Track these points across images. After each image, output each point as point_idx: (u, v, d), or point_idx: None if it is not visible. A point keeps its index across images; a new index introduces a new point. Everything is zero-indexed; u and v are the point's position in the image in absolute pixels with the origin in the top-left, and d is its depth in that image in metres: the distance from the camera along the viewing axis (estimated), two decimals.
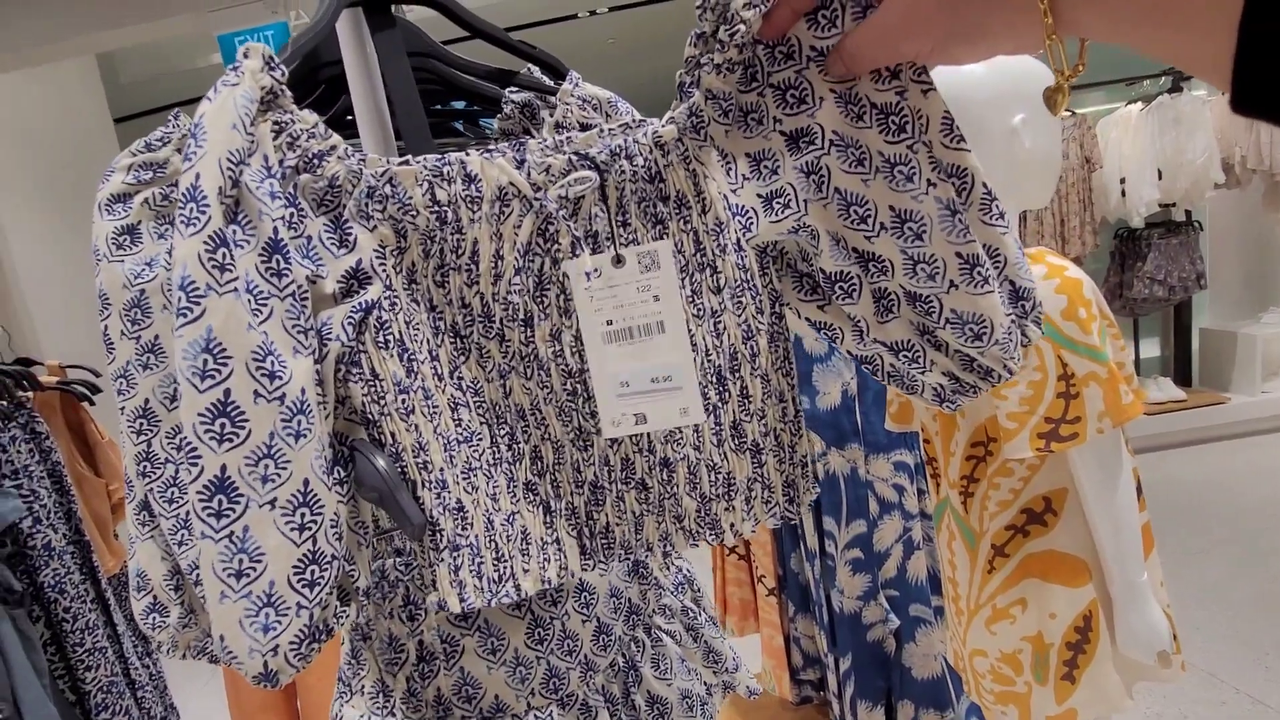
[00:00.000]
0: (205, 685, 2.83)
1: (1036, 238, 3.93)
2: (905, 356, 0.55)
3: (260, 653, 0.46)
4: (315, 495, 0.47)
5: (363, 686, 0.69)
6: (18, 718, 1.44)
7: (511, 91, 0.65)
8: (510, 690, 0.67)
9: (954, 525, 1.12)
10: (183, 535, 0.56)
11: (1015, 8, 0.42)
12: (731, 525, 0.60)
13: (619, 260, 0.54)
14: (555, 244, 0.54)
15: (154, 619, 0.59)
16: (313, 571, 0.47)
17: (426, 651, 0.66)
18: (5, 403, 1.54)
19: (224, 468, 0.45)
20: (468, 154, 0.53)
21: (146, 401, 0.55)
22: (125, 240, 0.55)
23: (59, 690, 1.60)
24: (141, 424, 0.55)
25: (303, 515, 0.47)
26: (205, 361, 0.45)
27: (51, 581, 1.55)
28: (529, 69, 0.66)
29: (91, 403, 1.79)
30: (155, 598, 0.58)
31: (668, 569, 0.80)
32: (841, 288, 0.54)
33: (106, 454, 1.84)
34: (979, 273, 0.51)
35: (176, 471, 0.56)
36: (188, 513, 0.56)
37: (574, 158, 0.53)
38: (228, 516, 0.46)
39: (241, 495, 0.46)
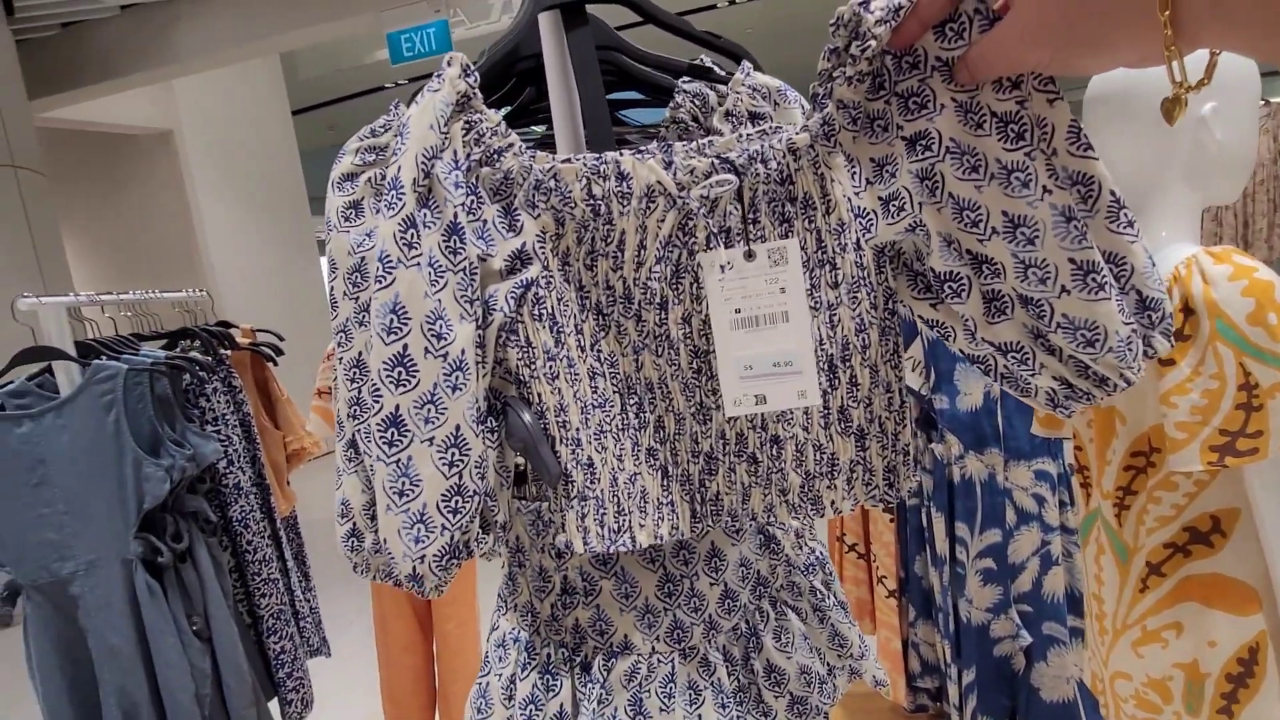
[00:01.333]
0: (351, 624, 3.12)
1: (1214, 239, 3.56)
2: (1015, 358, 0.56)
3: (411, 559, 0.56)
4: (464, 439, 0.56)
5: (516, 604, 0.78)
6: (207, 630, 1.66)
7: (684, 81, 0.69)
8: (638, 633, 0.72)
9: (1104, 539, 1.06)
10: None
11: (1137, 20, 0.41)
12: (832, 503, 0.64)
13: (751, 255, 0.59)
14: (693, 237, 0.60)
15: (352, 543, 0.68)
16: (456, 501, 0.56)
17: (569, 586, 0.73)
18: (210, 358, 1.77)
19: (398, 407, 0.55)
20: (622, 154, 0.59)
21: (359, 354, 0.64)
22: (351, 214, 0.63)
23: (239, 613, 1.82)
24: (355, 372, 0.64)
25: (453, 454, 0.55)
26: (391, 320, 0.54)
27: (238, 517, 1.77)
28: (701, 58, 0.70)
29: (275, 363, 2.03)
30: (355, 525, 0.68)
31: (800, 548, 0.82)
32: (951, 287, 0.56)
33: (285, 410, 2.08)
34: (1093, 279, 0.51)
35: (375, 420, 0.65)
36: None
37: (716, 161, 0.58)
38: (397, 446, 0.55)
39: (409, 431, 0.55)
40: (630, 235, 0.60)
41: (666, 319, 0.62)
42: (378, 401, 0.55)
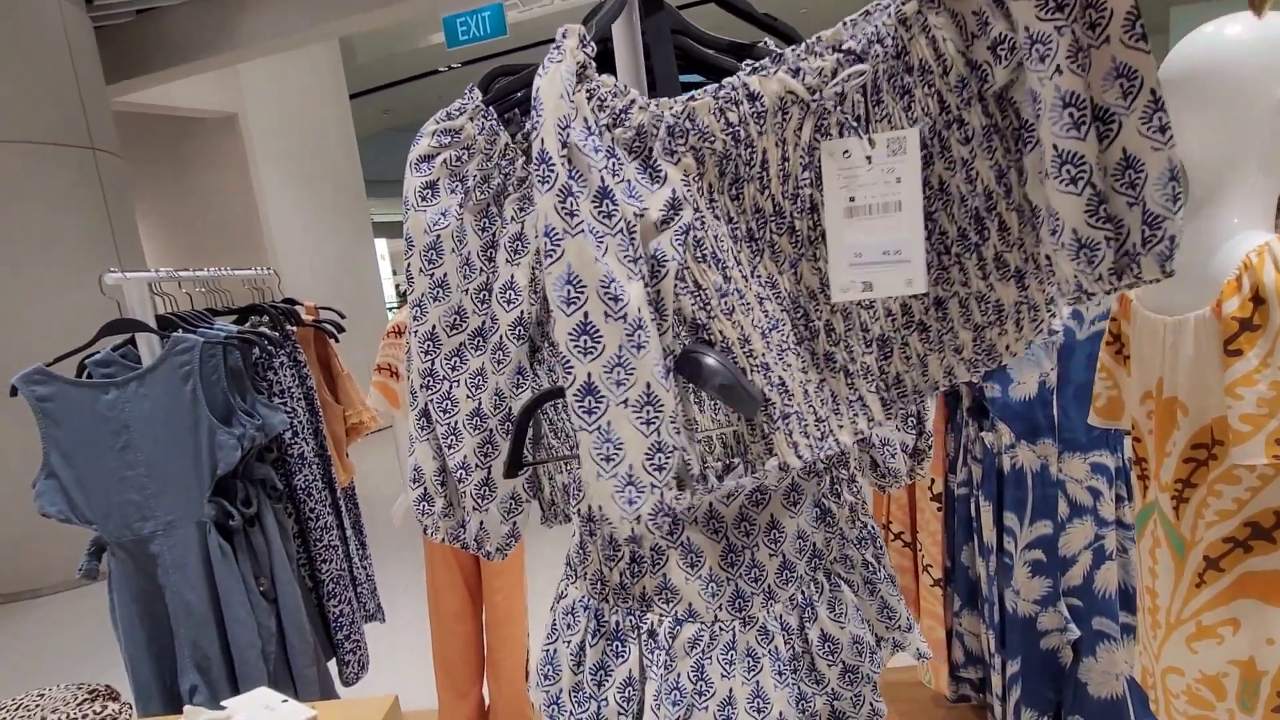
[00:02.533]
0: (404, 592, 3.24)
1: None
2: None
3: (628, 520, 0.58)
4: (656, 396, 0.57)
5: (585, 573, 0.81)
6: (273, 591, 1.75)
7: (747, 64, 0.70)
8: (702, 601, 0.75)
9: (1161, 531, 1.04)
10: (451, 440, 0.69)
11: None
12: (1007, 347, 0.68)
13: (870, 143, 0.61)
14: (829, 136, 0.62)
15: (423, 506, 0.73)
16: (659, 458, 0.58)
17: (637, 555, 0.76)
18: (278, 334, 1.85)
19: (589, 375, 0.57)
20: (738, 78, 0.61)
21: (433, 327, 0.68)
22: (428, 193, 0.67)
23: (301, 577, 1.91)
24: (428, 345, 0.68)
25: (648, 412, 0.57)
26: (568, 291, 0.56)
27: (302, 485, 1.86)
28: (765, 41, 0.72)
29: (336, 340, 2.11)
30: (426, 489, 0.72)
31: (854, 523, 0.83)
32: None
33: (345, 385, 2.16)
34: (1067, 171, 0.54)
35: (451, 388, 0.69)
36: (458, 422, 0.69)
37: (840, 55, 0.60)
38: (595, 413, 0.57)
39: (603, 397, 0.57)
40: (772, 151, 0.62)
41: (819, 220, 0.64)
42: (570, 373, 0.57)
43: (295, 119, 6.54)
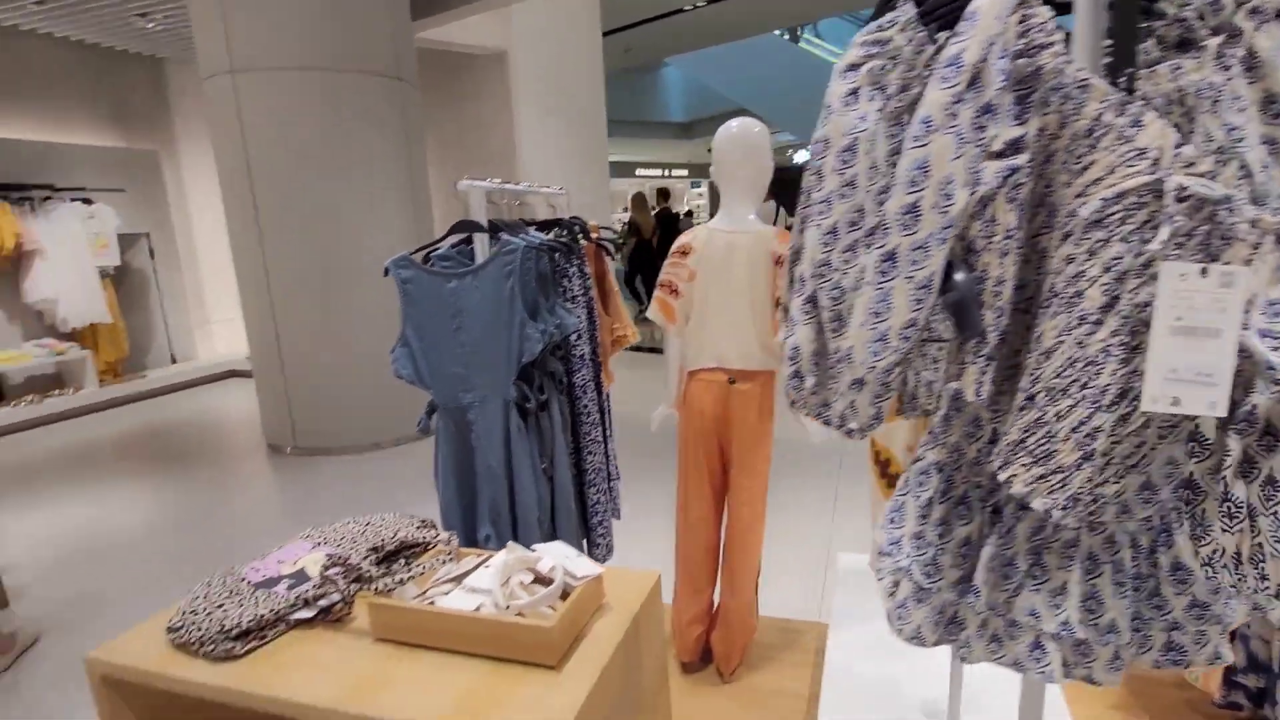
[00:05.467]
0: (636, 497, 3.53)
1: None
2: None
3: (867, 366, 0.71)
4: (931, 285, 0.68)
5: (945, 442, 0.87)
6: (551, 470, 2.01)
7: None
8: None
9: None
10: (835, 325, 0.77)
11: None
12: None
13: (1204, 272, 0.63)
14: (1173, 254, 0.65)
15: (794, 383, 0.82)
16: (910, 331, 0.69)
17: (997, 438, 0.81)
18: (575, 246, 2.07)
19: (898, 247, 0.68)
20: (1147, 98, 0.66)
21: (836, 223, 0.76)
22: (850, 99, 0.74)
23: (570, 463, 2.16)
24: (829, 239, 0.77)
25: (921, 294, 0.68)
26: (916, 175, 0.66)
27: (580, 383, 2.09)
28: None
29: (613, 257, 2.31)
30: (799, 368, 0.81)
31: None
32: None
33: (615, 300, 2.37)
34: None
35: (840, 279, 0.77)
36: (843, 310, 0.77)
37: (1223, 146, 0.63)
38: (886, 276, 0.69)
39: (898, 268, 0.68)
40: (1097, 169, 0.64)
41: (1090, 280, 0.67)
42: (885, 238, 0.69)
43: (554, 57, 6.99)
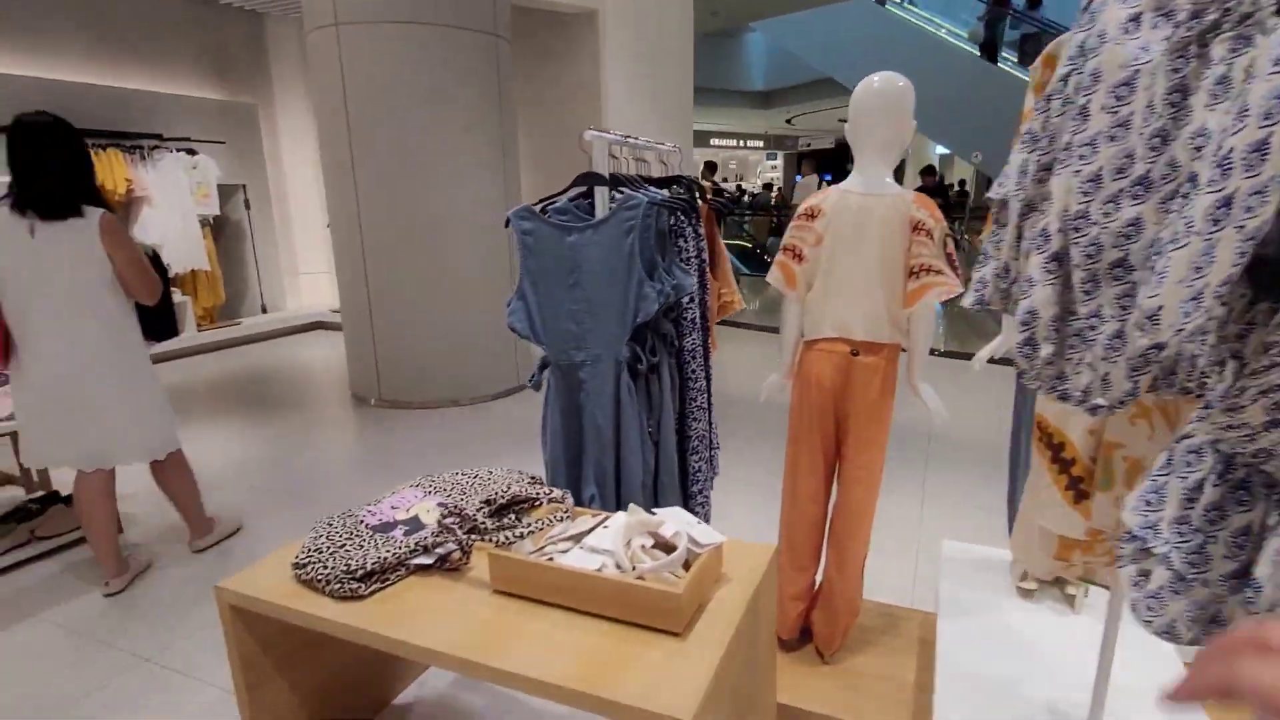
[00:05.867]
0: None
1: None
2: None
3: (1175, 329, 0.62)
4: (1259, 238, 0.58)
5: (1230, 424, 0.76)
6: (657, 434, 1.96)
7: None
8: None
9: None
10: (1089, 287, 0.68)
11: None
12: None
13: None
14: None
15: (1026, 351, 0.74)
16: (1224, 289, 0.59)
17: None
18: (694, 204, 2.00)
19: (1235, 191, 0.57)
20: None
21: (1099, 170, 0.67)
22: (1131, 26, 0.64)
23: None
24: (1089, 188, 0.67)
25: (1246, 246, 0.58)
26: (1273, 107, 0.56)
27: (689, 347, 2.03)
28: None
29: (730, 217, 2.23)
30: (1034, 335, 0.73)
31: None
32: None
33: (723, 264, 2.29)
34: None
35: (1099, 234, 0.67)
36: (1099, 271, 0.68)
37: None
38: (1217, 225, 0.59)
39: (1231, 215, 0.58)
40: None
41: None
42: (1225, 180, 0.59)
43: (645, 17, 6.84)
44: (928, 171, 9.13)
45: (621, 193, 1.79)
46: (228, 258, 7.43)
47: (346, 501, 3.33)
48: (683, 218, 1.93)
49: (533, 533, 1.43)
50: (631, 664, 1.17)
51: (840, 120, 21.90)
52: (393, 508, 1.70)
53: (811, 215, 1.78)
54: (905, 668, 1.88)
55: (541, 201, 1.86)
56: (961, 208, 9.97)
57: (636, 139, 2.01)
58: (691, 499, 2.11)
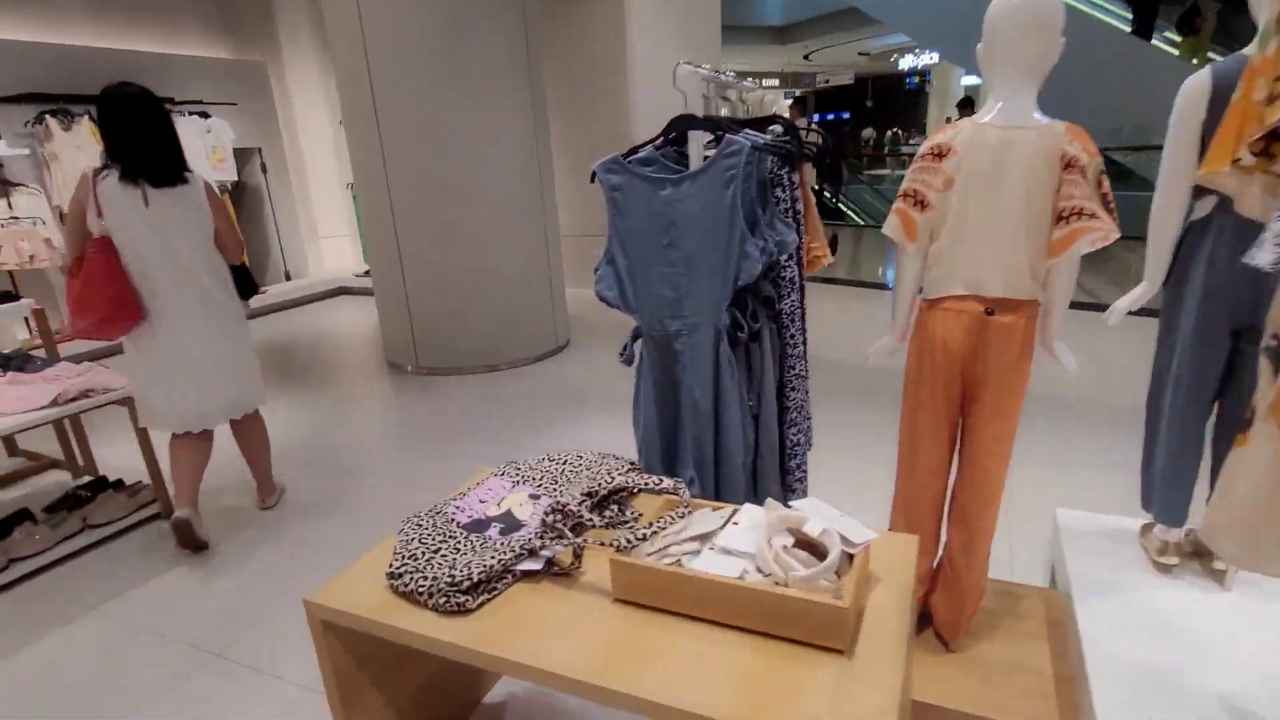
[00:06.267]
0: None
1: None
2: None
3: None
4: None
5: None
6: (758, 408, 1.78)
7: None
8: None
9: None
10: None
11: None
12: None
13: None
14: None
15: None
16: None
17: None
18: (797, 147, 1.77)
19: None
20: None
21: None
22: None
23: None
24: None
25: None
26: None
27: (787, 310, 1.83)
28: None
29: (826, 163, 2.00)
30: None
31: None
32: None
33: (813, 215, 2.06)
34: None
35: None
36: None
37: None
38: None
39: None
40: None
41: None
42: None
43: None
44: (965, 104, 8.65)
45: (719, 138, 1.56)
46: (247, 224, 7.24)
47: (397, 476, 3.20)
48: (782, 165, 1.71)
49: (655, 532, 1.27)
50: (799, 690, 1.01)
51: (861, 54, 21.00)
52: (481, 501, 1.55)
53: (940, 154, 1.55)
54: (1039, 654, 1.73)
55: (630, 151, 1.65)
56: None
57: (726, 73, 1.77)
58: (789, 475, 1.94)
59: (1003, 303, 1.56)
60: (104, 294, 2.32)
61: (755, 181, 1.58)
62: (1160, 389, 1.76)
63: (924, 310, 1.67)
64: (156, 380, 2.52)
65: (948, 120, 9.66)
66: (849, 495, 2.76)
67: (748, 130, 1.68)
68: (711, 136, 1.70)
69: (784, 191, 1.74)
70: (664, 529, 1.29)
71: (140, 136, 2.33)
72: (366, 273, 7.72)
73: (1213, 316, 1.60)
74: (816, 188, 8.59)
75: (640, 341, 1.71)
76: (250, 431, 2.81)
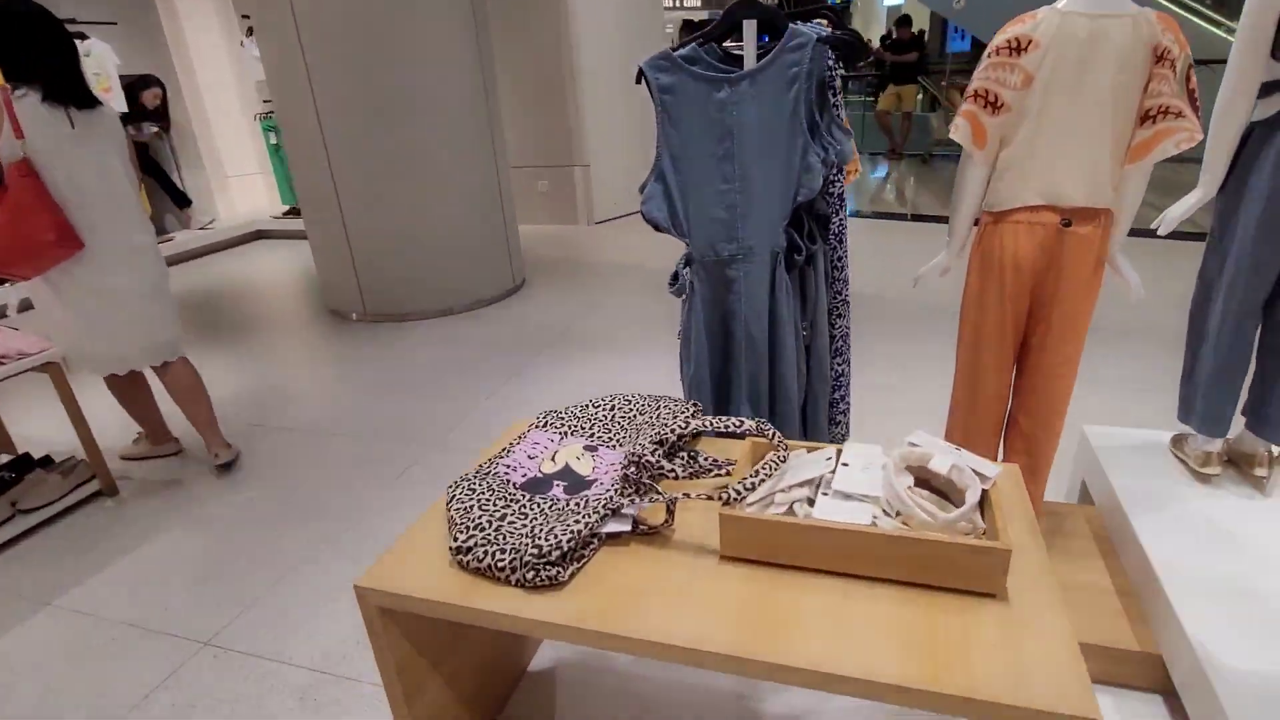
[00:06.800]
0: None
1: None
2: None
3: None
4: None
5: None
6: (810, 337, 1.65)
7: None
8: None
9: None
10: None
11: None
12: None
13: None
14: None
15: None
16: None
17: None
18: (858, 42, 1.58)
19: None
20: None
21: None
22: None
23: None
24: None
25: None
26: None
27: (835, 230, 1.69)
28: None
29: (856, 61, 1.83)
30: None
31: None
32: None
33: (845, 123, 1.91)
34: None
35: None
36: None
37: None
38: None
39: None
40: None
41: None
42: None
43: None
44: (903, 22, 8.51)
45: (778, 31, 1.37)
46: (144, 163, 6.48)
47: (365, 431, 2.95)
48: (837, 62, 1.53)
49: (762, 480, 1.13)
50: (965, 644, 0.91)
51: None
52: (530, 457, 1.37)
53: (1017, 48, 1.41)
54: (1096, 571, 1.72)
55: (677, 47, 1.43)
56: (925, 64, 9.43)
57: None
58: (834, 406, 1.83)
59: (1081, 212, 1.46)
60: (44, 219, 2.08)
61: (815, 81, 1.40)
62: (1208, 298, 1.72)
63: (988, 225, 1.56)
64: (89, 320, 2.31)
65: (883, 38, 9.51)
66: (889, 424, 2.68)
67: (799, 23, 1.49)
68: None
69: (836, 95, 1.57)
70: (767, 476, 1.15)
71: (63, 54, 2.13)
72: (288, 213, 7.12)
73: (1276, 221, 1.55)
74: None
75: (690, 270, 1.53)
76: (183, 383, 2.56)
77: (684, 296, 1.56)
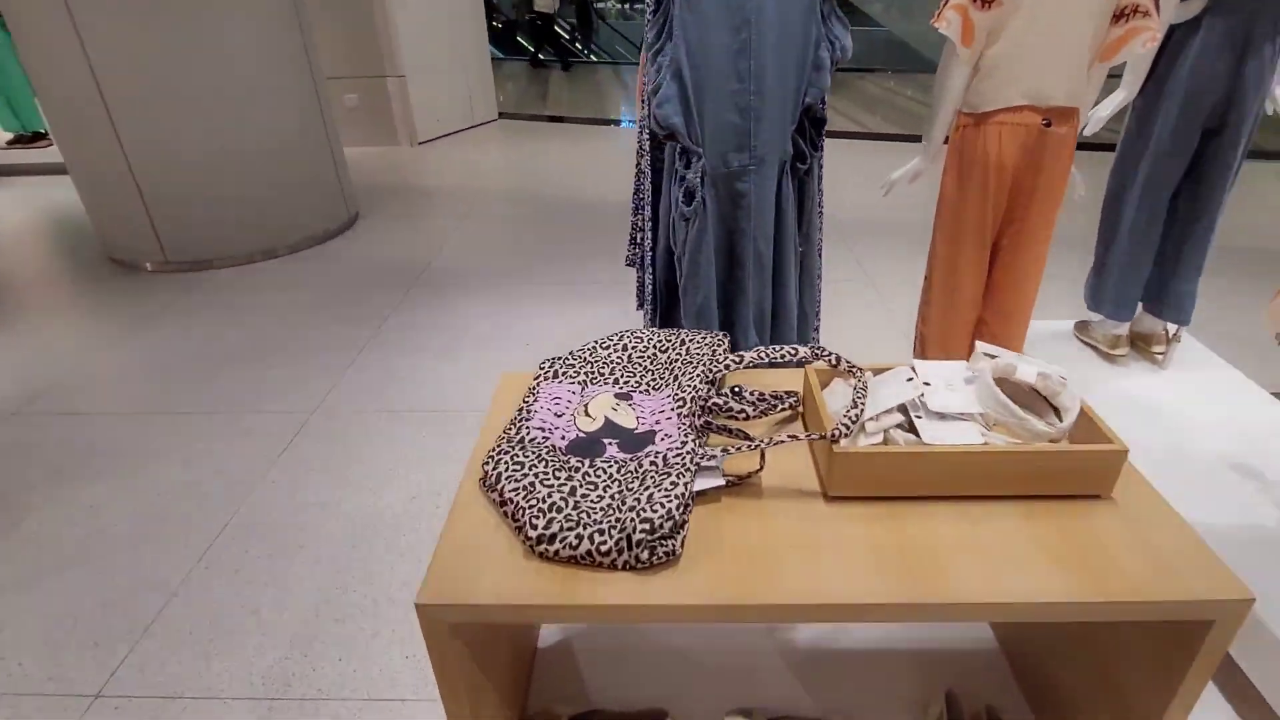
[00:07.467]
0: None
1: None
2: None
3: None
4: None
5: None
6: (806, 245, 1.57)
7: None
8: None
9: None
10: None
11: None
12: None
13: None
14: None
15: None
16: None
17: None
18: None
19: None
20: None
21: None
22: None
23: None
24: None
25: None
26: None
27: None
28: None
29: None
30: None
31: None
32: None
33: None
34: None
35: None
36: None
37: None
38: None
39: None
40: None
41: None
42: None
43: None
44: None
45: None
46: None
47: (198, 409, 2.46)
48: None
49: (860, 413, 1.03)
50: (1106, 551, 0.91)
51: None
52: (557, 415, 1.17)
53: None
54: None
55: None
56: None
57: None
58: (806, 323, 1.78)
59: (1060, 112, 1.49)
60: None
61: None
62: (1122, 189, 1.87)
63: (968, 127, 1.55)
64: None
65: None
66: (861, 337, 2.67)
67: None
68: None
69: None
70: (856, 406, 1.06)
71: None
72: (19, 139, 5.68)
73: (1191, 117, 1.69)
74: (567, 37, 8.00)
75: (703, 187, 1.36)
76: None
77: (687, 219, 1.39)
